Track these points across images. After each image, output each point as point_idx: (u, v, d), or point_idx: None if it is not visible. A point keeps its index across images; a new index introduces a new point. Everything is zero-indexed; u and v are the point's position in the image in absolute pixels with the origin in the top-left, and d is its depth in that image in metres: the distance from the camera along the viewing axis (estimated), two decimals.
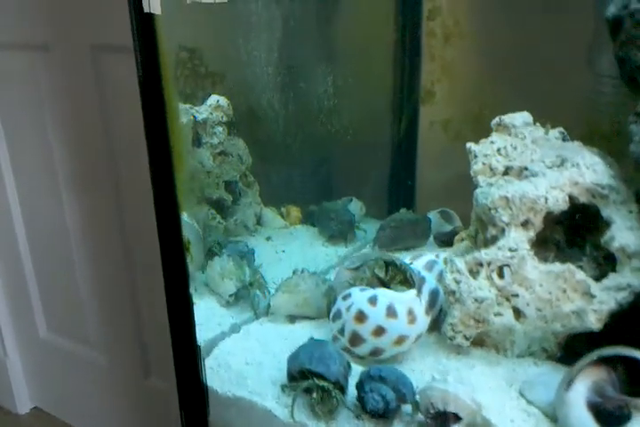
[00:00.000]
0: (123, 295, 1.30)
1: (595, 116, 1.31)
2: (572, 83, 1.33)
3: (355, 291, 1.09)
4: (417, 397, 0.90)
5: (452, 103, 1.54)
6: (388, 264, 1.12)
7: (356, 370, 1.01)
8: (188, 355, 1.09)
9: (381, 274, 1.11)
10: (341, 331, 1.08)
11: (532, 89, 1.37)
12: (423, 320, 1.05)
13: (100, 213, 1.28)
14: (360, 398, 0.92)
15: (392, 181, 1.70)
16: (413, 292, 1.06)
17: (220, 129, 1.51)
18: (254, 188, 1.64)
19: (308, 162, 1.69)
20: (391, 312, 1.03)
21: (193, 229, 1.30)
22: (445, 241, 1.48)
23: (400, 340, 1.03)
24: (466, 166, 1.17)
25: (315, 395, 0.94)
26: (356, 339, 1.05)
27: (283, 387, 1.01)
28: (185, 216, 1.32)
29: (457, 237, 1.41)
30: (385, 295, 1.05)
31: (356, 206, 1.67)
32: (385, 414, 0.90)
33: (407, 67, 1.60)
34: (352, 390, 0.96)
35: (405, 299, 1.05)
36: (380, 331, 1.03)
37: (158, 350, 1.27)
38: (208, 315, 1.26)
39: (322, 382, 0.94)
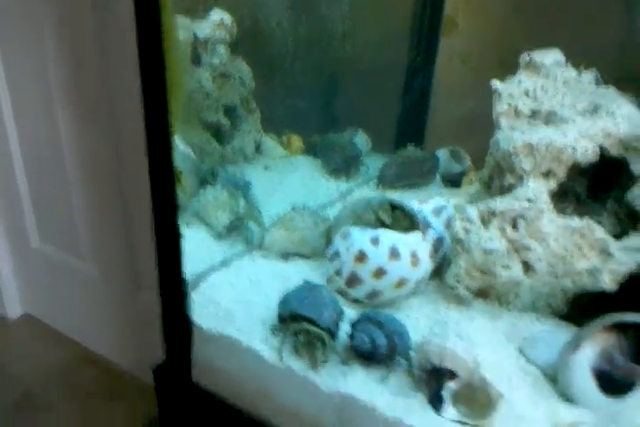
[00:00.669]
0: (114, 209, 1.28)
1: (629, 56, 1.21)
2: (606, 20, 1.21)
3: (355, 230, 1.03)
4: (412, 351, 0.86)
5: (476, 35, 1.42)
6: (394, 207, 1.05)
7: (349, 315, 0.97)
8: (174, 288, 1.04)
9: (385, 218, 1.04)
10: (339, 271, 1.03)
11: (562, 24, 1.25)
12: (426, 264, 1.00)
13: (92, 127, 1.22)
14: (351, 335, 0.88)
15: (402, 114, 1.60)
16: (418, 233, 1.00)
17: (223, 49, 1.39)
18: (255, 114, 1.54)
19: (314, 89, 1.59)
20: (394, 254, 0.97)
21: (187, 156, 1.22)
22: (453, 182, 1.41)
23: (400, 283, 0.98)
24: (481, 104, 1.09)
25: (300, 339, 0.90)
26: (354, 280, 1.00)
27: (272, 328, 0.96)
28: (179, 141, 1.23)
29: (466, 179, 1.35)
30: (388, 236, 0.99)
31: (361, 139, 1.57)
32: (370, 356, 0.87)
33: None
34: (342, 336, 0.92)
35: (409, 241, 0.99)
36: (380, 273, 0.98)
37: (149, 264, 1.26)
38: (198, 247, 1.20)
39: (312, 328, 0.89)
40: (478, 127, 1.12)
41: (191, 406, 1.12)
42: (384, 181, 1.43)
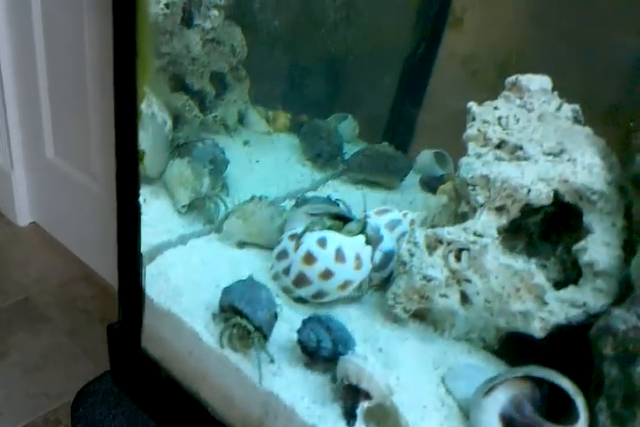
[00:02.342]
0: None
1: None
2: (620, 47, 1.16)
3: (301, 231, 1.04)
4: None
5: (480, 37, 1.36)
6: (347, 220, 1.05)
7: (291, 315, 0.99)
8: (131, 261, 1.07)
9: (335, 225, 1.04)
10: (287, 271, 1.04)
11: (574, 39, 1.20)
12: (367, 267, 1.02)
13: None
14: (299, 330, 0.90)
15: (395, 106, 1.55)
16: (362, 237, 1.01)
17: (216, 13, 1.33)
18: (244, 84, 1.49)
19: (309, 65, 1.54)
20: (340, 256, 0.99)
21: (161, 125, 1.19)
22: (430, 186, 1.39)
23: (345, 285, 1.01)
24: None
25: (234, 331, 0.93)
26: (302, 280, 1.02)
27: (213, 315, 0.99)
28: (157, 107, 1.21)
29: (442, 187, 1.31)
30: (334, 238, 1.01)
31: (349, 125, 1.54)
32: (312, 354, 0.89)
33: None
34: (274, 337, 0.94)
35: (354, 243, 1.00)
36: (327, 274, 0.99)
37: None
38: (160, 218, 1.19)
39: (245, 323, 0.92)
40: None
41: (137, 369, 1.16)
42: (348, 168, 1.41)
